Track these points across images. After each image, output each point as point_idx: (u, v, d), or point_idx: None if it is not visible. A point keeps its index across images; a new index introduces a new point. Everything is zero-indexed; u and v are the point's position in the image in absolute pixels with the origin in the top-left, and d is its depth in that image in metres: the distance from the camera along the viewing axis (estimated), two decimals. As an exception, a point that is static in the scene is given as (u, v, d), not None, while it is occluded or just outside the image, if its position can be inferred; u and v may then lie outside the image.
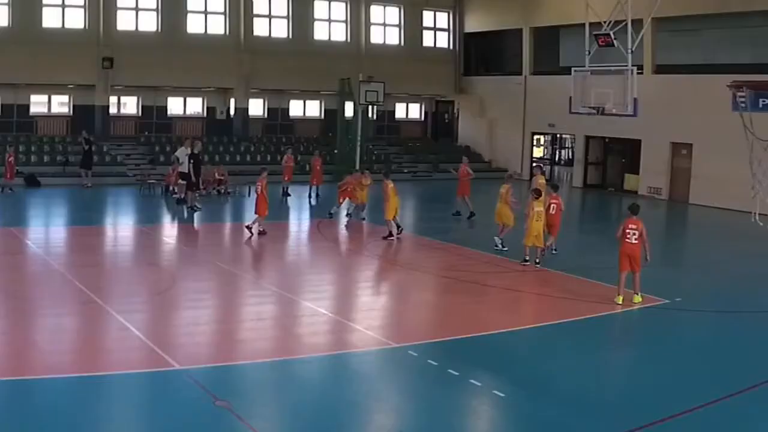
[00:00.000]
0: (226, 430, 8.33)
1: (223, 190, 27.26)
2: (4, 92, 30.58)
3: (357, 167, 33.04)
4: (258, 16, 34.65)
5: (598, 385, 10.16)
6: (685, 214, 28.36)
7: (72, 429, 8.15)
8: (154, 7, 32.39)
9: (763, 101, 18.35)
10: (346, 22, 36.93)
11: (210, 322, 12.35)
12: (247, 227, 19.39)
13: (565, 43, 34.63)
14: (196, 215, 22.60)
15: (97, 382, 9.42)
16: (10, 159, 26.06)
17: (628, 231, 13.61)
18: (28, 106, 31.75)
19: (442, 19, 39.84)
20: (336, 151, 33.91)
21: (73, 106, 32.43)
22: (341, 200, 22.79)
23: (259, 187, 19.45)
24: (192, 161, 23.20)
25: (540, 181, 19.99)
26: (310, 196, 27.48)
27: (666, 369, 10.83)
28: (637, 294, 13.81)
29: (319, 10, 36.21)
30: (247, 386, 9.72)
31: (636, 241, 13.56)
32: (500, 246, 18.18)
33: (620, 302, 13.71)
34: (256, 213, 19.33)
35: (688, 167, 29.69)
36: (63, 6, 30.73)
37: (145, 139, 33.19)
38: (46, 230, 20.99)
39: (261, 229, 19.30)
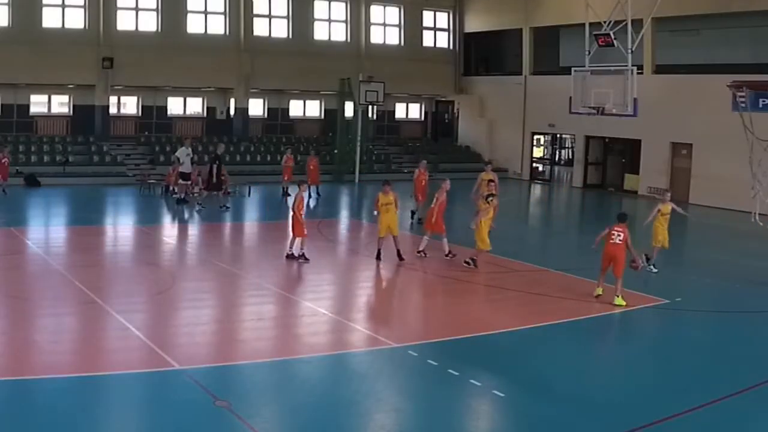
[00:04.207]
0: (226, 430, 8.33)
1: (223, 191, 27.20)
2: (4, 92, 30.57)
3: (356, 167, 33.25)
4: (258, 16, 34.65)
5: (598, 385, 10.15)
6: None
7: (72, 429, 8.14)
8: (154, 7, 32.39)
9: (763, 101, 18.36)
10: (346, 22, 36.92)
11: (210, 322, 12.34)
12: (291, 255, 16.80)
13: (565, 43, 34.65)
14: (196, 215, 22.60)
15: (97, 382, 9.41)
16: (3, 160, 26.05)
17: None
18: (28, 106, 31.74)
19: (442, 19, 39.85)
20: (336, 151, 33.94)
21: (73, 106, 32.43)
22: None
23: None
24: (218, 162, 23.53)
25: (667, 207, 17.27)
26: (309, 196, 27.48)
27: (666, 369, 10.84)
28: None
29: (319, 10, 36.22)
30: (247, 386, 9.70)
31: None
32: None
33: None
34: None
35: (688, 167, 29.70)
36: (63, 6, 30.72)
37: (145, 139, 33.19)
38: (46, 230, 20.99)
39: (303, 252, 16.72)
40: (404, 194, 20.59)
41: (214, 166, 23.49)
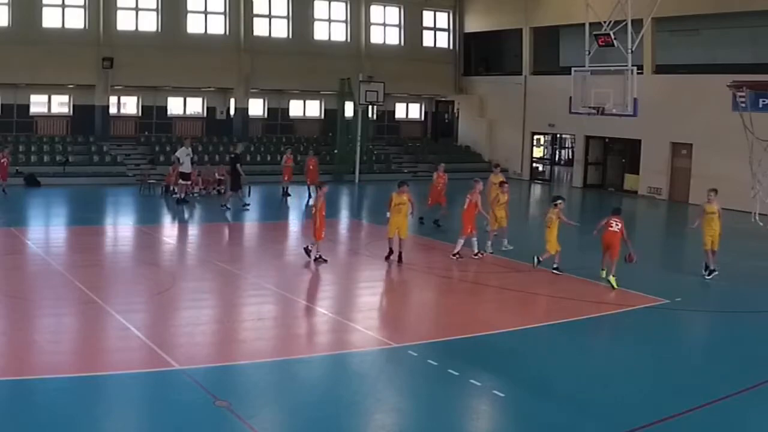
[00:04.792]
0: (226, 430, 8.33)
1: (223, 190, 27.24)
2: (4, 92, 30.57)
3: (356, 167, 33.25)
4: (258, 16, 34.65)
5: (598, 385, 10.15)
6: (685, 214, 28.32)
7: (72, 429, 8.14)
8: (154, 7, 32.40)
9: (763, 101, 18.42)
10: (346, 22, 36.93)
11: (210, 322, 12.34)
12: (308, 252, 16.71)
13: (565, 43, 34.64)
14: (195, 215, 22.62)
15: (97, 382, 9.41)
16: (3, 160, 26.05)
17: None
18: (28, 106, 31.74)
19: (442, 19, 39.85)
20: (336, 151, 33.94)
21: (73, 106, 32.42)
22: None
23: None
24: (239, 163, 23.92)
25: (711, 207, 16.12)
26: (309, 196, 27.48)
27: (666, 369, 10.83)
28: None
29: (319, 10, 36.23)
30: (247, 386, 9.70)
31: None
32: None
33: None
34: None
35: (688, 167, 29.69)
36: (63, 6, 30.73)
37: (145, 139, 33.19)
38: (46, 230, 20.99)
39: (318, 255, 16.59)
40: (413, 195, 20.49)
41: (238, 166, 23.84)
